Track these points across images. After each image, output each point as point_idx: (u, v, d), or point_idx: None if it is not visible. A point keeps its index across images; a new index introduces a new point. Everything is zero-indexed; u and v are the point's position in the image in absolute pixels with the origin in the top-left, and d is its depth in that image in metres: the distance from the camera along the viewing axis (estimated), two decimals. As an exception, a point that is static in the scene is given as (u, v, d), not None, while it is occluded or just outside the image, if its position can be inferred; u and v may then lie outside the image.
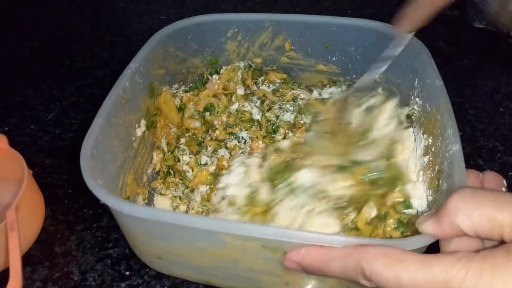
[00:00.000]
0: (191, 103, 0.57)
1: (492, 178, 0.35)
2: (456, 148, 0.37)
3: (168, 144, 0.55)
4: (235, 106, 0.56)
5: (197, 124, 0.56)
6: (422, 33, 0.51)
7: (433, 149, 0.43)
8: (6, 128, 0.66)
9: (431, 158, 0.43)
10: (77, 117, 0.67)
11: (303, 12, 0.91)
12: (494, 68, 0.74)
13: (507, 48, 0.79)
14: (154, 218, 0.33)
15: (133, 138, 0.48)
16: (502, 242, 0.26)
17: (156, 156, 0.53)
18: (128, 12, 0.94)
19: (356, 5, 0.92)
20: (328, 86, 0.59)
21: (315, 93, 0.58)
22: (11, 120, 0.67)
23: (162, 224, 0.33)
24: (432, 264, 0.26)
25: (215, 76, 0.58)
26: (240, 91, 0.57)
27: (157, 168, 0.53)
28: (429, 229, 0.29)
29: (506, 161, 0.59)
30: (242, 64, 0.59)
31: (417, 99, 0.49)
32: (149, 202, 0.50)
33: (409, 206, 0.42)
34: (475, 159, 0.59)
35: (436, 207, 0.36)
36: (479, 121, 0.65)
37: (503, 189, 0.35)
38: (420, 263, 0.26)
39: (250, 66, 0.59)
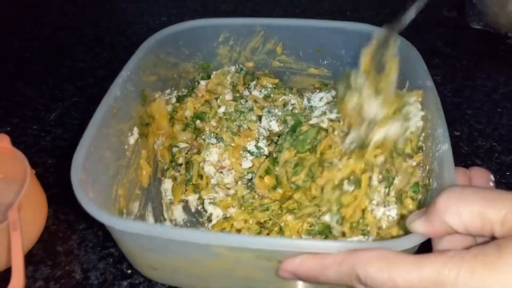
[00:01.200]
0: (181, 111, 0.56)
1: (479, 173, 0.35)
2: (445, 147, 0.37)
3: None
4: (221, 110, 0.55)
5: (189, 135, 0.55)
6: (420, 34, 0.51)
7: (423, 149, 0.43)
8: (8, 128, 0.66)
9: (421, 158, 0.43)
10: (78, 117, 0.68)
11: (302, 13, 0.91)
12: (492, 69, 0.75)
13: (505, 48, 0.79)
14: (146, 233, 0.33)
15: (126, 146, 0.47)
16: (493, 238, 0.26)
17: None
18: (129, 12, 0.94)
19: (355, 7, 0.92)
20: (318, 91, 0.59)
21: (305, 100, 0.58)
22: (12, 120, 0.67)
23: (154, 238, 0.33)
24: (425, 264, 0.26)
25: (202, 83, 0.58)
26: (229, 96, 0.56)
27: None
28: (420, 228, 0.29)
29: (504, 161, 0.59)
30: (233, 68, 0.59)
31: None
32: (145, 206, 0.50)
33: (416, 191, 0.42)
34: (473, 159, 0.60)
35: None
36: (477, 121, 0.65)
37: (491, 183, 0.35)
38: (413, 264, 0.26)
39: (241, 69, 0.59)
